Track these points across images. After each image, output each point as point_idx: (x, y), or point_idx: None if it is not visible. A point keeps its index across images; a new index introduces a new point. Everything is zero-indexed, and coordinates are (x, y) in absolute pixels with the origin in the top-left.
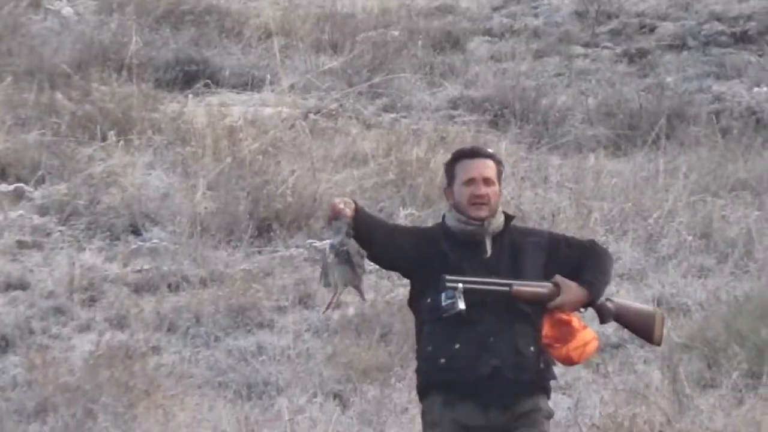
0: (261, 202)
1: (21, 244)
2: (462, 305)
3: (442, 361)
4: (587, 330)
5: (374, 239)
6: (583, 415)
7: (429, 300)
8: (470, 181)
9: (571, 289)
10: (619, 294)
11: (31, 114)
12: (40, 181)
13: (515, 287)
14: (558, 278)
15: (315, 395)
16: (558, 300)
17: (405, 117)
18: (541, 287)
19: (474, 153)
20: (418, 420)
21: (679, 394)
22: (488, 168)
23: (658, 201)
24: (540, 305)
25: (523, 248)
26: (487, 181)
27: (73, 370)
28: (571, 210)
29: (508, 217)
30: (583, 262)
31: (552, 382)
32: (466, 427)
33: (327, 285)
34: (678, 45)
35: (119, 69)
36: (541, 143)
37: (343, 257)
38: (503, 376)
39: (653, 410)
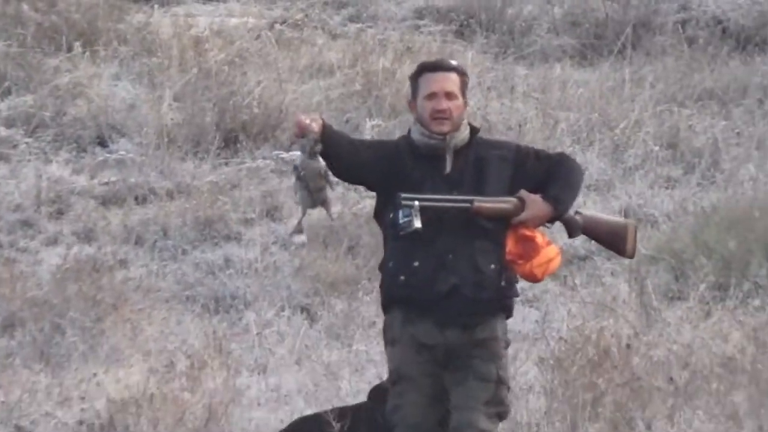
0: (227, 114)
1: None
2: (418, 223)
3: (402, 278)
4: (551, 246)
5: (340, 155)
6: (550, 329)
7: (391, 215)
8: (431, 96)
9: (536, 204)
10: (586, 205)
11: None
12: (6, 93)
13: (476, 203)
14: (522, 193)
15: (283, 309)
16: (522, 215)
17: (371, 27)
18: (504, 202)
19: (436, 66)
20: None
21: (646, 306)
22: (450, 81)
23: (625, 111)
24: (503, 221)
25: (488, 162)
26: (449, 95)
27: (40, 284)
28: (538, 120)
29: (474, 130)
30: (551, 175)
31: (516, 300)
32: (423, 344)
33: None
34: None
35: None
36: (507, 53)
37: (303, 182)
38: (462, 294)
39: (621, 323)
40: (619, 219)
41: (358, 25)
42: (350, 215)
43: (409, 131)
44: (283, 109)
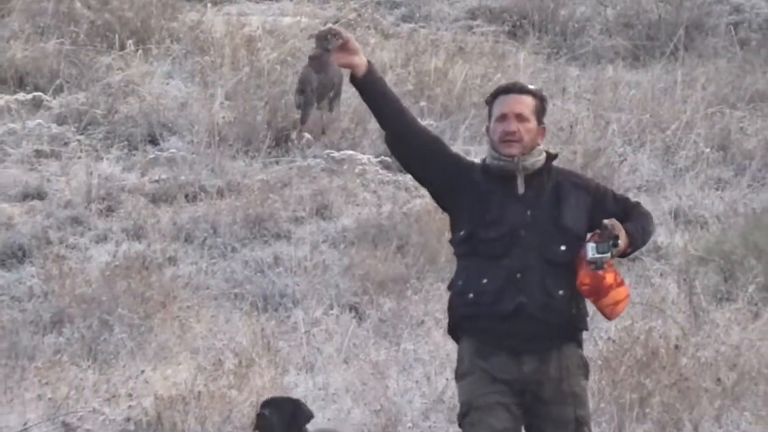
0: (279, 112)
1: (39, 154)
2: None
3: (470, 295)
4: (621, 288)
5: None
6: (598, 329)
7: (462, 233)
8: (502, 117)
9: (622, 233)
10: None
11: (50, 23)
12: (59, 90)
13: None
14: (614, 221)
15: (331, 307)
16: None
17: (423, 27)
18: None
19: (509, 89)
20: (434, 332)
21: (695, 307)
22: (522, 104)
23: (676, 113)
24: (576, 248)
25: (566, 189)
26: (519, 117)
27: (89, 281)
28: (589, 121)
29: (550, 157)
30: (628, 215)
31: (584, 332)
32: (497, 379)
33: None
34: None
35: None
36: (559, 54)
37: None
38: (528, 314)
39: (669, 324)
40: None
41: (411, 25)
42: (400, 214)
43: (485, 158)
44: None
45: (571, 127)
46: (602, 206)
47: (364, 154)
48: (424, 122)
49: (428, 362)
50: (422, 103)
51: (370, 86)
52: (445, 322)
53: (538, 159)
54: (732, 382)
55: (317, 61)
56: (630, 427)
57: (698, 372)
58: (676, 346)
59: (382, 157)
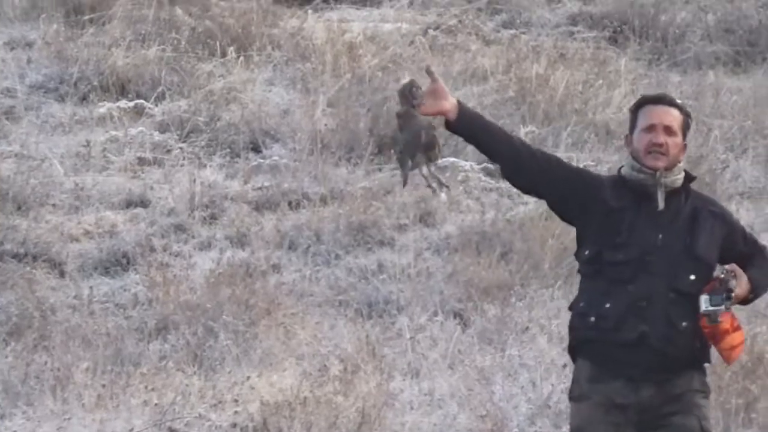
0: (381, 119)
1: (141, 161)
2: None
3: (592, 319)
4: (738, 333)
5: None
6: None
7: (587, 252)
8: (650, 128)
9: (742, 282)
10: (738, 213)
11: (151, 30)
12: (160, 98)
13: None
14: (735, 267)
15: (435, 314)
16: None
17: (524, 33)
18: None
19: (659, 99)
20: (538, 338)
21: None
22: (671, 116)
23: None
24: (706, 280)
25: (703, 215)
26: (668, 130)
27: (193, 288)
28: (691, 128)
29: (689, 178)
30: (754, 261)
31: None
32: (615, 404)
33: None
34: None
35: None
36: (660, 60)
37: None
38: (650, 346)
39: None
40: None
41: (512, 31)
42: (503, 221)
43: (620, 169)
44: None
45: None
46: (733, 240)
47: (466, 161)
48: (526, 129)
49: (533, 368)
50: (523, 110)
51: (467, 127)
52: (549, 328)
53: (677, 177)
54: None
55: (402, 119)
56: None
57: None
58: None
59: (485, 164)
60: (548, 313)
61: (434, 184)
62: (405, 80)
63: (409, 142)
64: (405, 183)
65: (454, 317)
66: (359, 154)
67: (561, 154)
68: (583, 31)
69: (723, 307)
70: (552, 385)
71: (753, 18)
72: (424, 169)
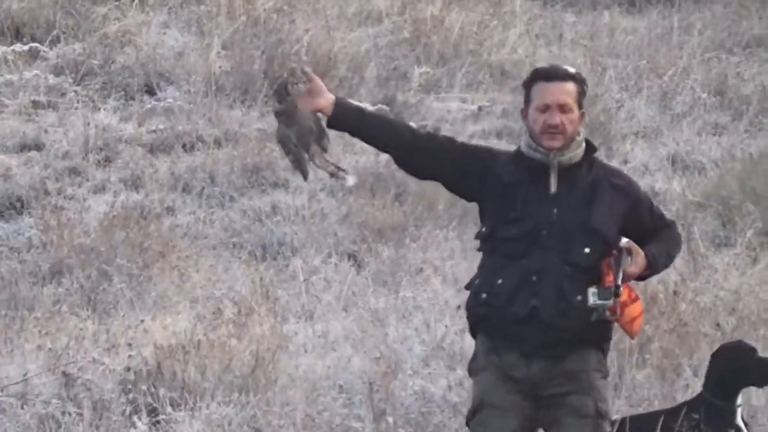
0: (276, 61)
1: (36, 104)
2: (609, 314)
3: (483, 296)
4: (636, 303)
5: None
6: None
7: (484, 229)
8: (544, 108)
9: (639, 259)
10: (633, 152)
11: None
12: (55, 41)
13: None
14: (631, 244)
15: (330, 255)
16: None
17: None
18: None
19: (551, 75)
20: (433, 279)
21: (693, 252)
22: (566, 93)
23: (673, 58)
24: (601, 254)
25: (603, 187)
26: (563, 108)
27: (88, 231)
28: (586, 68)
29: (591, 149)
30: (657, 236)
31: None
32: (509, 376)
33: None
34: None
35: None
36: (555, 1)
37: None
38: (542, 320)
39: (668, 270)
40: None
41: None
42: None
43: (520, 145)
44: (331, 57)
45: None
46: (637, 215)
47: (361, 102)
48: (420, 69)
49: (427, 309)
50: (418, 51)
51: (347, 122)
52: (444, 270)
53: (576, 153)
54: (731, 327)
55: (285, 116)
56: (630, 373)
57: (697, 317)
58: (675, 292)
59: (380, 105)
60: (442, 254)
61: (333, 170)
62: (279, 80)
63: (302, 136)
64: (306, 176)
65: (349, 259)
66: (253, 96)
67: (456, 94)
68: None
69: (610, 301)
70: (446, 326)
71: None
72: (320, 160)
